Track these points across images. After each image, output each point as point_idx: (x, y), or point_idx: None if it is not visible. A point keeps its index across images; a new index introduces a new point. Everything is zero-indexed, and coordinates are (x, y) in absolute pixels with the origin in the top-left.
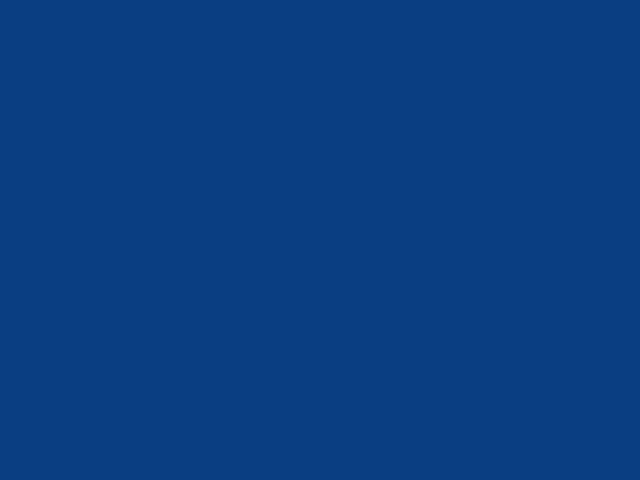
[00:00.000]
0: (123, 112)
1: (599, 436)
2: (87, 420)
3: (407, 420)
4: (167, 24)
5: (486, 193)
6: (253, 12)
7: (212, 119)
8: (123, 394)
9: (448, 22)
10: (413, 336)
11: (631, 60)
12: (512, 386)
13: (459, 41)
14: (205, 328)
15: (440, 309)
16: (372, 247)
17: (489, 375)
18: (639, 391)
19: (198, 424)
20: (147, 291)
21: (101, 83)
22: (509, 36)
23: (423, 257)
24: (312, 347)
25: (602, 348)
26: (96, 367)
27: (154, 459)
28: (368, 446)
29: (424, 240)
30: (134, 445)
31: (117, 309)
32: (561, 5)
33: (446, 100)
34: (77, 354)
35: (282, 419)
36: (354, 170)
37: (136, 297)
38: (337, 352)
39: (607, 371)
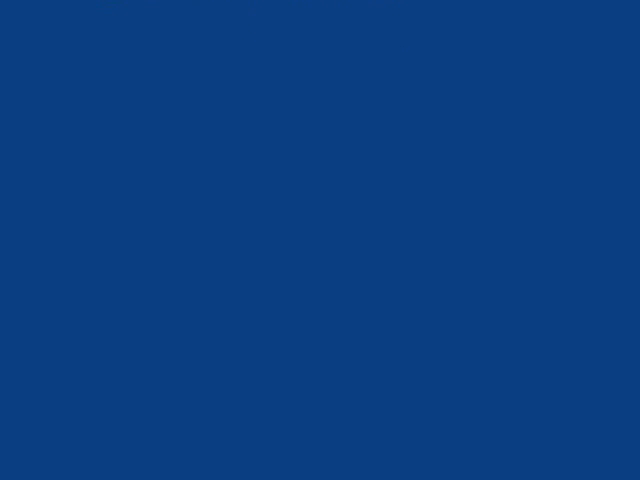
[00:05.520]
0: (123, 112)
1: (599, 436)
2: (87, 420)
3: (407, 420)
4: (167, 25)
5: (486, 193)
6: (253, 13)
7: (212, 119)
8: (123, 394)
9: (448, 23)
10: (413, 336)
11: (631, 60)
12: (512, 386)
13: (459, 42)
14: (205, 328)
15: (440, 309)
16: (372, 247)
17: (489, 375)
18: (639, 391)
19: (198, 424)
20: (147, 291)
21: (101, 83)
22: (509, 37)
23: (423, 257)
24: (312, 347)
25: (602, 348)
26: (96, 367)
27: (154, 459)
28: (368, 446)
29: (424, 240)
30: (134, 445)
31: (117, 309)
32: (561, 5)
33: (446, 100)
34: (77, 354)
35: (282, 419)
36: (354, 170)
37: (136, 297)
38: (337, 352)
39: (607, 371)
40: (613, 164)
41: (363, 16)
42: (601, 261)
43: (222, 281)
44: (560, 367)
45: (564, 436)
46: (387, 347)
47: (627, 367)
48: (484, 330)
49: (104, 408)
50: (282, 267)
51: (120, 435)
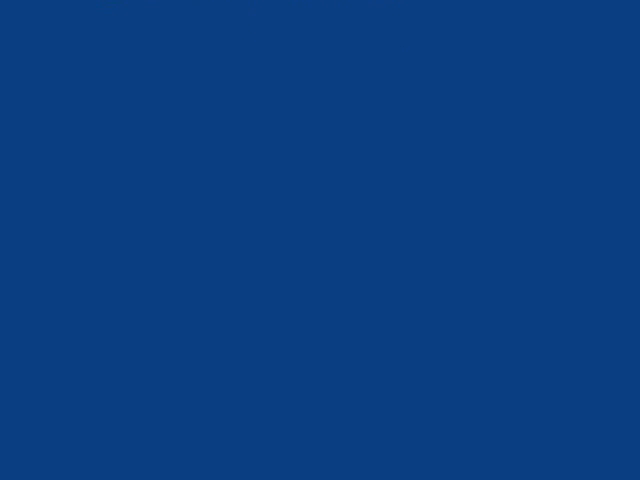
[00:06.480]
0: (123, 112)
1: (599, 436)
2: (87, 420)
3: (407, 420)
4: (167, 24)
5: (486, 193)
6: (253, 12)
7: (212, 119)
8: (123, 394)
9: (448, 22)
10: (413, 336)
11: (631, 60)
12: (512, 386)
13: (459, 41)
14: (205, 328)
15: (440, 309)
16: (372, 247)
17: (489, 375)
18: (639, 391)
19: (198, 424)
20: (147, 291)
21: (101, 83)
22: (509, 36)
23: (423, 257)
24: (312, 347)
25: (602, 348)
26: (96, 367)
27: (154, 459)
28: (368, 446)
29: (424, 240)
30: (134, 445)
31: (117, 309)
32: (561, 5)
33: (446, 100)
34: (77, 354)
35: (282, 419)
36: (354, 170)
37: (136, 297)
38: (337, 352)
39: (607, 371)
40: (613, 164)
41: (363, 16)
42: (601, 261)
43: (222, 281)
44: (560, 367)
45: (564, 436)
46: (387, 347)
47: (627, 367)
48: (484, 330)
49: (104, 408)
50: (282, 267)
51: (120, 435)
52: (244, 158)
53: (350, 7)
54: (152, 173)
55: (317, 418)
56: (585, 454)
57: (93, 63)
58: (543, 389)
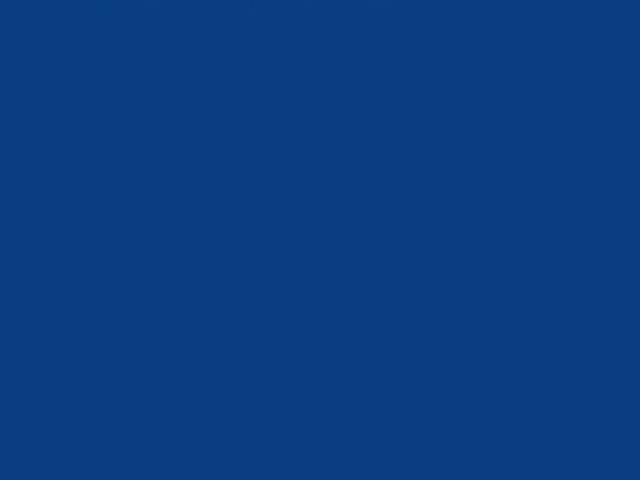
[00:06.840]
0: (123, 112)
1: (599, 436)
2: (87, 420)
3: (407, 420)
4: (167, 24)
5: (486, 193)
6: (253, 12)
7: (212, 119)
8: (123, 394)
9: (448, 22)
10: (413, 336)
11: (631, 60)
12: (512, 386)
13: (459, 41)
14: (205, 328)
15: (440, 309)
16: (372, 247)
17: (489, 375)
18: (639, 391)
19: (198, 424)
20: (147, 291)
21: (101, 83)
22: (509, 36)
23: (423, 257)
24: (312, 347)
25: (602, 348)
26: (96, 367)
27: (154, 459)
28: (368, 446)
29: (424, 240)
30: (134, 445)
31: (117, 309)
32: (561, 5)
33: (446, 100)
34: (77, 354)
35: (282, 419)
36: (354, 170)
37: (136, 297)
38: (337, 352)
39: (607, 371)
40: (613, 164)
41: (363, 16)
42: (601, 261)
43: (222, 281)
44: (560, 367)
45: (564, 436)
46: (387, 347)
47: (627, 367)
48: (484, 330)
49: (104, 408)
50: (282, 267)
51: (120, 435)
52: (244, 157)
53: (350, 7)
54: (152, 172)
55: (317, 418)
56: (585, 454)
57: (93, 63)
58: (543, 389)
